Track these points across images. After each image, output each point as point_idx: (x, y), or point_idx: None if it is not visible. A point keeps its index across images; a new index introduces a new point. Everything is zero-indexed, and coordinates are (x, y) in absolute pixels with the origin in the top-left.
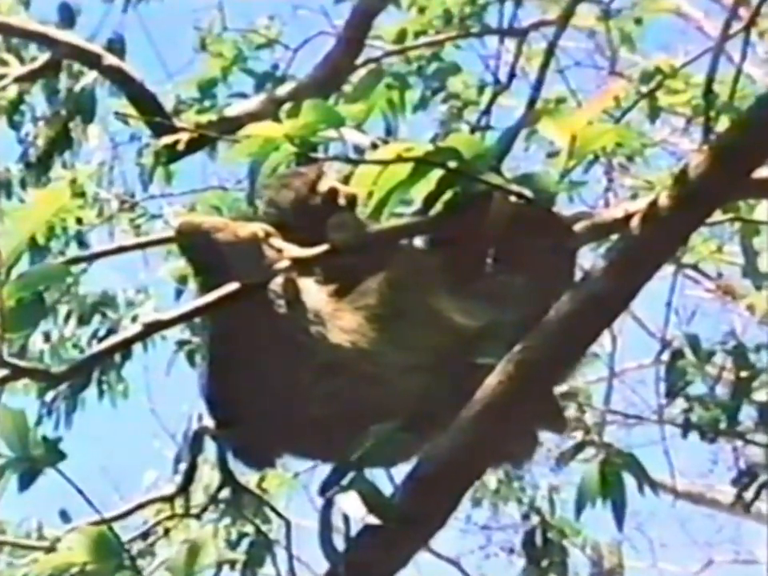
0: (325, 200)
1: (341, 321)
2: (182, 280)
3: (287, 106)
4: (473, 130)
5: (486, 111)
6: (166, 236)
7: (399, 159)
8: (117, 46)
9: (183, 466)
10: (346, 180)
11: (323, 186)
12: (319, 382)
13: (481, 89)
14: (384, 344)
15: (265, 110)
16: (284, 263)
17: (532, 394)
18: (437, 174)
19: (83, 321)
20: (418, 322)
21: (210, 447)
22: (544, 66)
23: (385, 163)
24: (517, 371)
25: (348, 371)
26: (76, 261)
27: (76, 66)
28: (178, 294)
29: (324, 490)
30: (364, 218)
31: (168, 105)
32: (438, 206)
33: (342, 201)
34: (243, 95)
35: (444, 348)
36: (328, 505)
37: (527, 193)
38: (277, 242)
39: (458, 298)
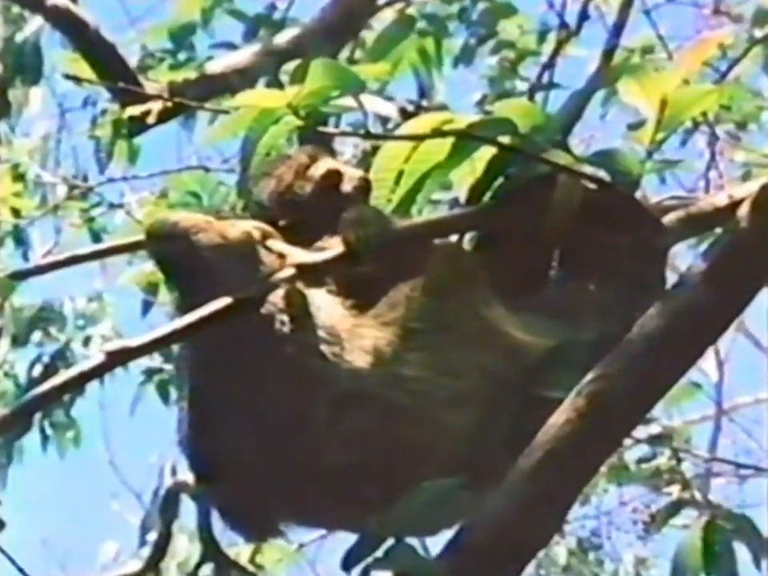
0: (323, 188)
1: (364, 339)
2: (151, 288)
3: (290, 65)
4: (532, 92)
5: (549, 65)
6: (133, 241)
7: (436, 133)
8: None
9: (153, 536)
10: (366, 161)
11: (320, 169)
12: (337, 420)
13: (542, 35)
14: (421, 368)
15: (259, 66)
16: (287, 271)
17: (609, 437)
18: (485, 152)
19: (19, 341)
20: (465, 339)
21: (187, 510)
22: (626, 5)
23: (417, 139)
24: (590, 406)
25: (375, 404)
26: (20, 276)
27: (15, 9)
28: (146, 306)
29: (349, 562)
30: (388, 211)
31: (132, 59)
32: (487, 194)
33: (347, 187)
34: (230, 45)
35: (498, 375)
36: None
37: (603, 175)
38: (277, 244)
39: (515, 311)
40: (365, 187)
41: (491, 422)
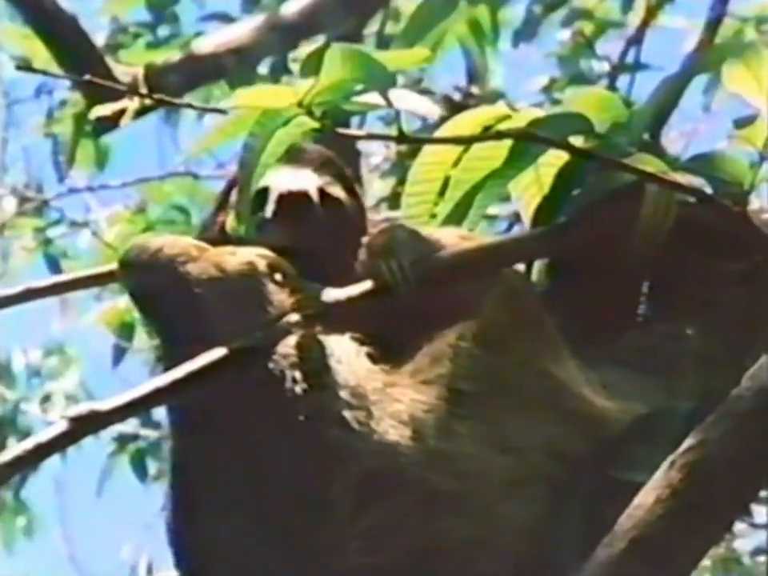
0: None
1: (397, 403)
2: (125, 331)
3: (302, 50)
4: (613, 76)
5: (636, 41)
6: (102, 271)
7: (489, 134)
8: None
9: None
10: (400, 168)
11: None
12: (363, 510)
13: (627, 2)
14: (471, 443)
15: (261, 44)
16: (301, 313)
17: (712, 520)
18: (552, 157)
19: None
20: (528, 406)
21: None
22: None
23: (465, 142)
24: (687, 481)
25: (411, 490)
26: None
27: None
28: (118, 354)
29: None
30: (430, 233)
31: (99, 35)
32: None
33: (267, 212)
34: (224, 17)
35: (570, 452)
36: None
37: (704, 185)
38: (288, 278)
39: (593, 365)
40: (287, 205)
41: (559, 512)
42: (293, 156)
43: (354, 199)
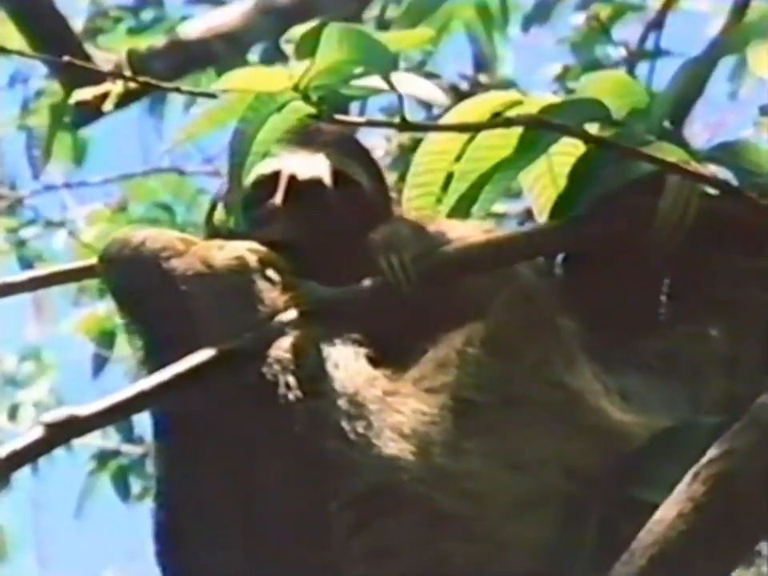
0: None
1: (399, 414)
2: (105, 339)
3: (296, 30)
4: (631, 63)
5: (656, 25)
6: (82, 266)
7: (498, 121)
8: None
9: None
10: (402, 160)
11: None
12: (362, 528)
13: None
14: (479, 459)
15: (252, 29)
16: (295, 312)
17: (739, 536)
18: (566, 146)
19: None
20: (540, 419)
21: None
22: None
23: (472, 129)
24: (711, 494)
25: (413, 509)
26: None
27: None
28: (98, 363)
29: None
30: (434, 227)
31: (76, 19)
32: (567, 204)
33: (276, 201)
34: (212, 0)
35: (585, 469)
36: None
37: (728, 177)
38: (281, 274)
39: (610, 371)
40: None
41: (573, 529)
42: (306, 134)
43: (376, 180)
